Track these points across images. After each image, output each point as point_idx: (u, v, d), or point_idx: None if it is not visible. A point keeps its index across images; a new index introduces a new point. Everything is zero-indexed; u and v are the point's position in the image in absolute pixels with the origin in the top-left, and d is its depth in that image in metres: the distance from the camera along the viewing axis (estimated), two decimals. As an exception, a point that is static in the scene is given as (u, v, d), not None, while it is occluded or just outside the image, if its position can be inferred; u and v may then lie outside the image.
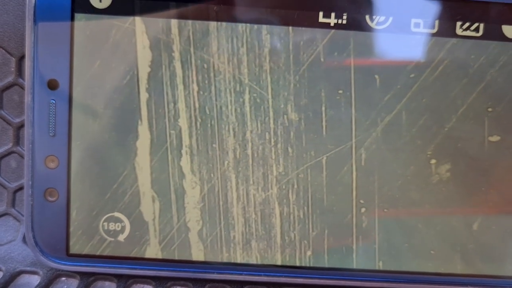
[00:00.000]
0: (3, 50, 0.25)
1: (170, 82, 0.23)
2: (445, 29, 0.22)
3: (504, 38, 0.22)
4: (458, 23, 0.22)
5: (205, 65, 0.23)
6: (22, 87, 0.25)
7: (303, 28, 0.22)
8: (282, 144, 0.23)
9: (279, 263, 0.24)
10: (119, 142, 0.23)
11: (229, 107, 0.23)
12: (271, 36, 0.22)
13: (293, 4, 0.22)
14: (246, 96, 0.23)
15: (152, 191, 0.23)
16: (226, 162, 0.23)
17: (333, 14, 0.22)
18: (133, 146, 0.23)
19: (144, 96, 0.23)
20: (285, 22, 0.22)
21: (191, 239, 0.24)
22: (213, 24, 0.22)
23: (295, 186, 0.23)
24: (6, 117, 0.25)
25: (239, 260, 0.24)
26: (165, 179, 0.23)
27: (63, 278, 0.24)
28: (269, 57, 0.23)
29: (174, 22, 0.22)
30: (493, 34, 0.22)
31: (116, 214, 0.23)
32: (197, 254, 0.24)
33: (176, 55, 0.22)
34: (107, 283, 0.24)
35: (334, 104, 0.23)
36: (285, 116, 0.23)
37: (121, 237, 0.24)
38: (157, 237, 0.24)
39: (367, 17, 0.22)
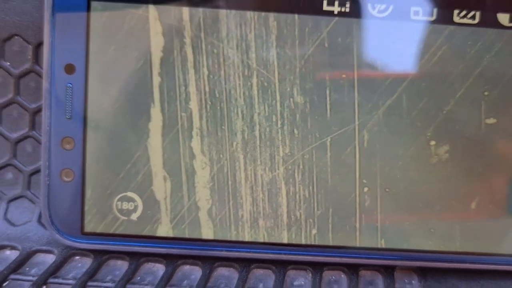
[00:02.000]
0: (21, 38, 0.26)
1: (181, 66, 0.24)
2: (443, 16, 0.23)
3: (499, 26, 0.23)
4: (456, 11, 0.23)
5: (215, 50, 0.24)
6: (38, 74, 0.26)
7: (308, 16, 0.23)
8: (288, 126, 0.24)
9: (285, 241, 0.24)
10: (132, 124, 0.24)
11: (238, 90, 0.24)
12: (278, 23, 0.23)
13: (299, -8, 0.23)
14: (254, 80, 0.24)
15: (164, 171, 0.24)
16: (234, 143, 0.24)
17: (336, 2, 0.23)
18: (146, 128, 0.24)
19: (156, 79, 0.24)
20: (291, 10, 0.23)
21: (201, 218, 0.24)
22: (222, 12, 0.23)
23: (301, 167, 0.24)
24: (22, 103, 0.26)
25: (247, 238, 0.24)
26: (176, 159, 0.24)
27: (77, 257, 0.25)
28: (276, 43, 0.23)
29: (185, 10, 0.23)
30: (489, 21, 0.23)
31: (129, 193, 0.24)
32: (207, 232, 0.24)
33: (187, 40, 0.23)
34: (119, 261, 0.25)
35: (338, 88, 0.24)
36: (291, 99, 0.24)
37: (134, 216, 0.24)
38: (168, 215, 0.24)
39: (369, 5, 0.23)
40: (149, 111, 0.24)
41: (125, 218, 0.24)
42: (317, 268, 0.25)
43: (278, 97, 0.24)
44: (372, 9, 0.23)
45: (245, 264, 0.25)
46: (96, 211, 0.24)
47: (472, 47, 0.23)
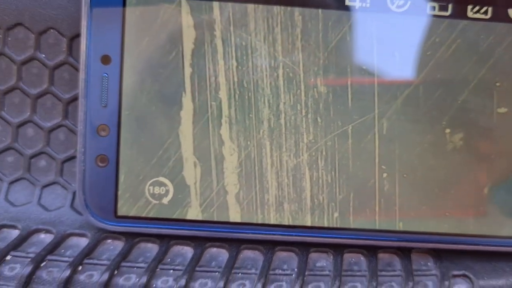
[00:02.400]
0: (56, 31, 0.27)
1: (211, 58, 0.25)
2: (457, 12, 0.25)
3: (510, 20, 0.25)
4: (469, 7, 0.25)
5: (244, 43, 0.25)
6: (72, 65, 0.27)
7: (331, 10, 0.25)
8: (312, 115, 0.25)
9: (308, 224, 0.26)
10: (164, 112, 0.25)
11: (265, 80, 0.25)
12: (303, 18, 0.25)
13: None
14: (280, 71, 0.25)
15: (194, 157, 0.25)
16: (261, 131, 0.25)
17: (358, -2, 0.25)
18: (177, 116, 0.25)
19: (188, 70, 0.25)
20: (315, 5, 0.25)
21: (229, 202, 0.25)
22: (251, 6, 0.25)
23: (324, 153, 0.25)
24: (56, 93, 0.27)
25: (272, 221, 0.26)
26: (206, 146, 0.25)
27: (109, 240, 0.26)
28: (300, 36, 0.25)
29: (216, 4, 0.25)
30: (500, 16, 0.25)
31: (161, 178, 0.25)
32: (234, 215, 0.26)
33: (218, 33, 0.25)
34: (149, 244, 0.26)
35: (359, 78, 0.25)
36: (315, 89, 0.25)
37: (165, 200, 0.26)
38: (198, 199, 0.25)
39: (388, 1, 0.25)
40: (180, 100, 0.25)
41: (157, 202, 0.26)
42: (338, 250, 0.26)
43: (302, 87, 0.25)
44: (391, 4, 0.25)
45: (269, 247, 0.26)
46: (129, 195, 0.25)
47: (484, 41, 0.25)
